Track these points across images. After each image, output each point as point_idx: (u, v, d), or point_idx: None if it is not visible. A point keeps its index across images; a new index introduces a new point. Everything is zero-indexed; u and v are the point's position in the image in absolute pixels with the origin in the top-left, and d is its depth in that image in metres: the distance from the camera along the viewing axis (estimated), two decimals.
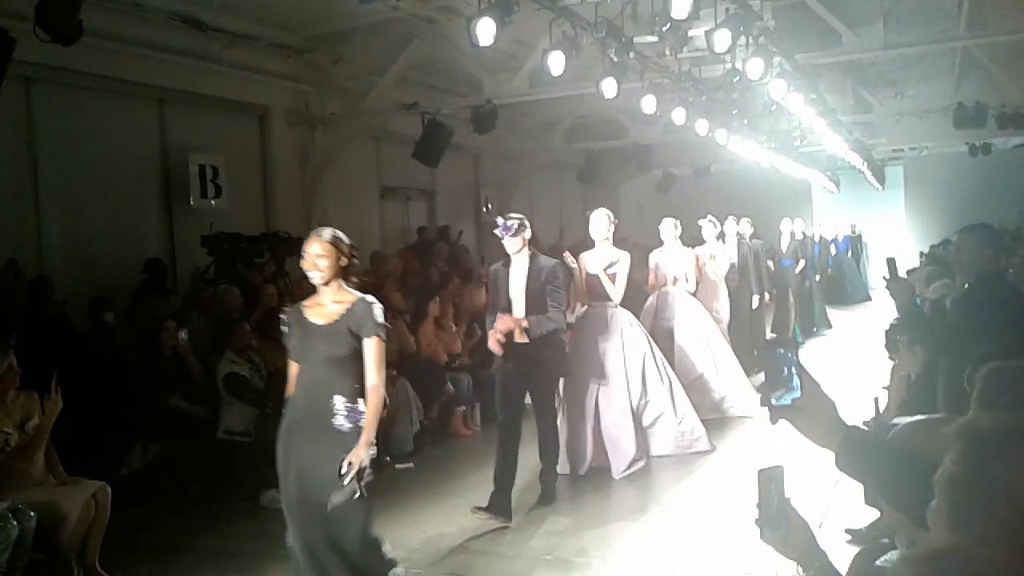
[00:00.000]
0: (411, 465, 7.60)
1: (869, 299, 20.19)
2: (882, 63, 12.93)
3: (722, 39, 7.11)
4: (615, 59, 7.87)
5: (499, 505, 5.88)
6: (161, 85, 9.35)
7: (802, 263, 14.00)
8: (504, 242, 6.06)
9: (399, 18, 9.44)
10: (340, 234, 4.20)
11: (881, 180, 22.70)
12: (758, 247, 11.86)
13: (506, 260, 6.17)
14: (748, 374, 9.41)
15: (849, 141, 15.24)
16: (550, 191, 18.52)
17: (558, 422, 6.76)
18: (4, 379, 4.96)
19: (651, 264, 9.07)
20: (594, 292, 7.23)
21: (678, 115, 10.12)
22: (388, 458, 7.75)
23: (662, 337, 8.50)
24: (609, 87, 8.24)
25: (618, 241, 7.83)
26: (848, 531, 5.10)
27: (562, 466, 6.76)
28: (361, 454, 3.91)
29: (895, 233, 23.38)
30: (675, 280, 8.94)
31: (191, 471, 6.79)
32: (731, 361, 9.07)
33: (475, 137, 12.08)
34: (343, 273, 4.18)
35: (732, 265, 10.88)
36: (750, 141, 13.21)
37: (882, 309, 16.12)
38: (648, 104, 9.42)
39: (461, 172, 15.16)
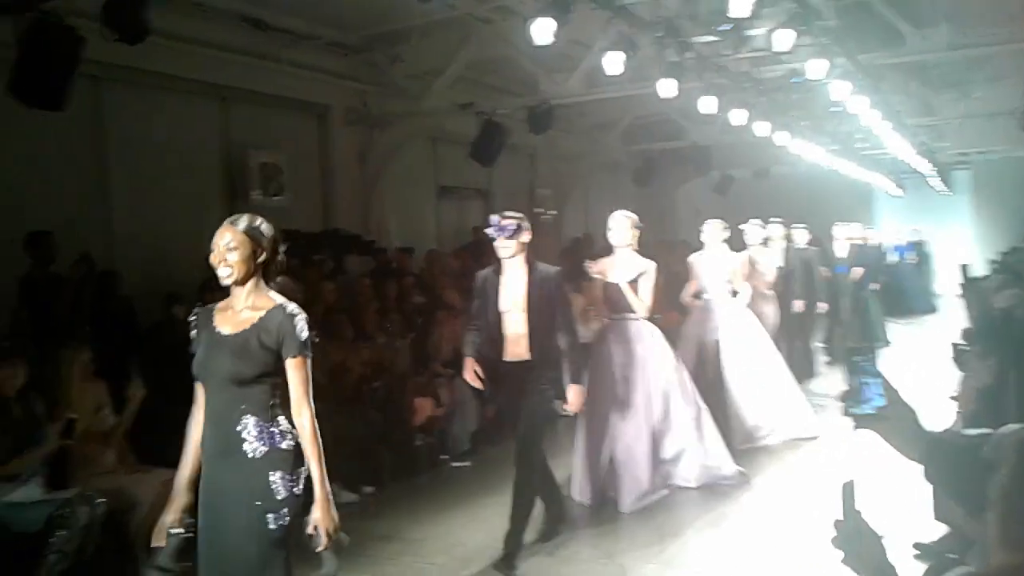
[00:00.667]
0: (468, 464, 7.62)
1: (934, 310, 19.02)
2: (946, 64, 12.60)
3: (783, 39, 7.02)
4: (674, 59, 7.81)
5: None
6: (223, 84, 9.54)
7: (859, 270, 12.86)
8: (497, 245, 5.21)
9: (456, 18, 9.49)
10: (261, 222, 3.43)
11: (948, 184, 22.16)
12: (811, 255, 11.16)
13: (497, 266, 5.31)
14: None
15: (914, 144, 14.93)
16: (605, 192, 18.40)
17: (576, 443, 6.32)
18: (81, 369, 5.08)
19: (691, 270, 8.36)
20: (614, 304, 6.45)
21: (737, 116, 10.02)
22: (445, 456, 7.82)
23: (709, 351, 7.95)
24: (667, 87, 8.19)
25: (657, 246, 7.51)
26: (916, 546, 4.98)
27: (581, 494, 6.33)
28: (323, 515, 3.25)
29: (963, 240, 22.80)
30: (718, 287, 8.18)
31: None
32: (786, 377, 8.32)
33: (531, 137, 12.09)
34: (263, 271, 3.39)
35: (780, 272, 10.24)
36: (811, 143, 13.01)
37: (947, 321, 15.11)
38: (707, 105, 9.34)
39: (517, 172, 15.17)
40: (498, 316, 5.24)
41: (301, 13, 9.58)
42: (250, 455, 3.24)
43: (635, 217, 6.50)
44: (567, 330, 5.21)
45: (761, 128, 10.91)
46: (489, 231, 5.20)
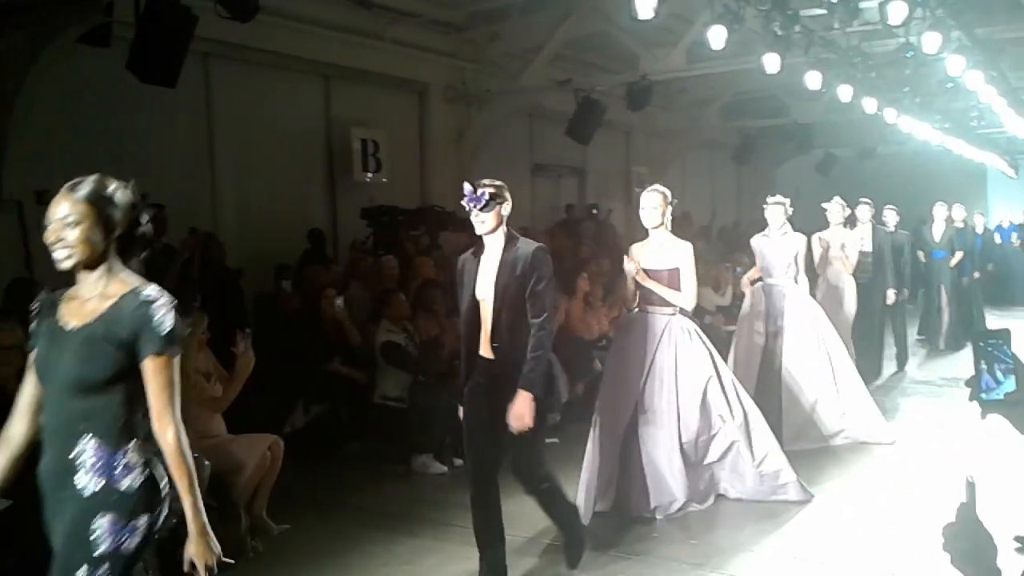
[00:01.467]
0: (556, 440, 7.64)
1: None
2: None
3: (897, 11, 6.76)
4: (779, 32, 7.60)
5: None
6: (327, 61, 9.72)
7: (959, 255, 11.80)
8: (472, 218, 4.43)
9: None
10: (115, 188, 2.68)
11: None
12: (902, 238, 10.37)
13: (479, 246, 4.54)
14: (872, 386, 8.38)
15: None
16: (703, 171, 18.14)
17: (588, 448, 5.56)
18: (198, 338, 5.28)
19: (755, 253, 7.68)
20: (646, 295, 5.69)
21: (844, 92, 9.72)
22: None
23: (769, 342, 7.38)
24: (772, 62, 8.00)
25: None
26: (1017, 538, 4.80)
27: (605, 503, 5.64)
28: (199, 548, 2.68)
29: None
30: (781, 272, 7.43)
31: (349, 432, 7.09)
32: (853, 376, 7.44)
33: (627, 114, 11.98)
34: (119, 250, 2.68)
35: (865, 256, 9.51)
36: (922, 121, 12.51)
37: None
38: (813, 80, 9.08)
39: (612, 150, 15.05)
40: (475, 306, 4.48)
41: None
42: (80, 490, 2.58)
43: (668, 192, 5.67)
44: (536, 322, 4.33)
45: (869, 105, 10.53)
46: (464, 203, 4.42)
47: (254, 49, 8.72)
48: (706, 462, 5.75)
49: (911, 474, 6.40)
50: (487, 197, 4.35)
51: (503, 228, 4.44)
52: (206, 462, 4.91)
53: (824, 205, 9.02)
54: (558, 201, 14.00)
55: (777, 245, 7.45)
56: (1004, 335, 1.96)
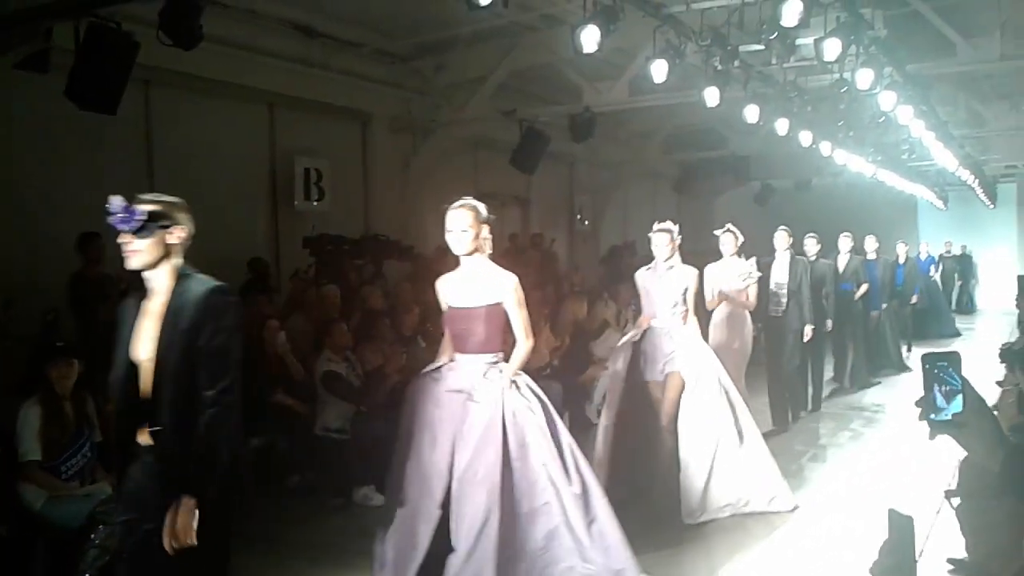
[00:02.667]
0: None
1: (955, 335, 16.47)
2: (997, 75, 12.43)
3: (832, 48, 6.95)
4: (719, 67, 7.78)
5: None
6: (271, 90, 9.66)
7: (863, 288, 11.27)
8: (123, 247, 3.30)
9: (501, 26, 9.53)
10: None
11: (992, 197, 21.81)
12: (823, 267, 9.80)
13: (142, 292, 3.41)
14: (790, 431, 8.36)
15: (960, 156, 14.69)
16: (645, 201, 18.40)
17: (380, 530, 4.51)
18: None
19: (639, 289, 6.54)
20: (460, 339, 4.64)
21: (781, 125, 9.94)
22: None
23: (654, 393, 6.26)
24: (712, 96, 8.15)
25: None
26: (950, 560, 4.90)
27: None
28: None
29: (1006, 253, 22.44)
30: (666, 310, 6.26)
31: (289, 465, 6.97)
32: (753, 434, 6.31)
33: (571, 145, 12.12)
34: None
35: (779, 287, 8.88)
36: (856, 154, 12.86)
37: (973, 347, 13.68)
38: (751, 114, 9.28)
39: (556, 180, 15.20)
40: (131, 372, 3.26)
41: (349, 21, 9.68)
42: None
43: (479, 207, 4.72)
44: (210, 395, 3.15)
45: (805, 138, 10.80)
46: (109, 220, 3.24)
47: (197, 77, 8.63)
48: (529, 548, 4.32)
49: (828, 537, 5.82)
50: (143, 217, 3.23)
51: (171, 263, 3.32)
52: None
53: (716, 233, 8.18)
54: (502, 230, 14.04)
55: (663, 280, 6.30)
56: (953, 358, 2.02)
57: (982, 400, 2.00)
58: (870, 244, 12.20)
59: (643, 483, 6.26)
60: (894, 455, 7.78)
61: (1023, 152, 17.44)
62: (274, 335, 7.16)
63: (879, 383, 11.63)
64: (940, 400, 1.98)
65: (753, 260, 8.10)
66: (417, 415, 4.51)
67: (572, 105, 11.21)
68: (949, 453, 2.05)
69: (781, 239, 9.10)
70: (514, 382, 4.46)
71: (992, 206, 22.27)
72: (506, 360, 4.55)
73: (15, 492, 4.81)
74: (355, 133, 11.31)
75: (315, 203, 10.06)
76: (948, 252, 21.52)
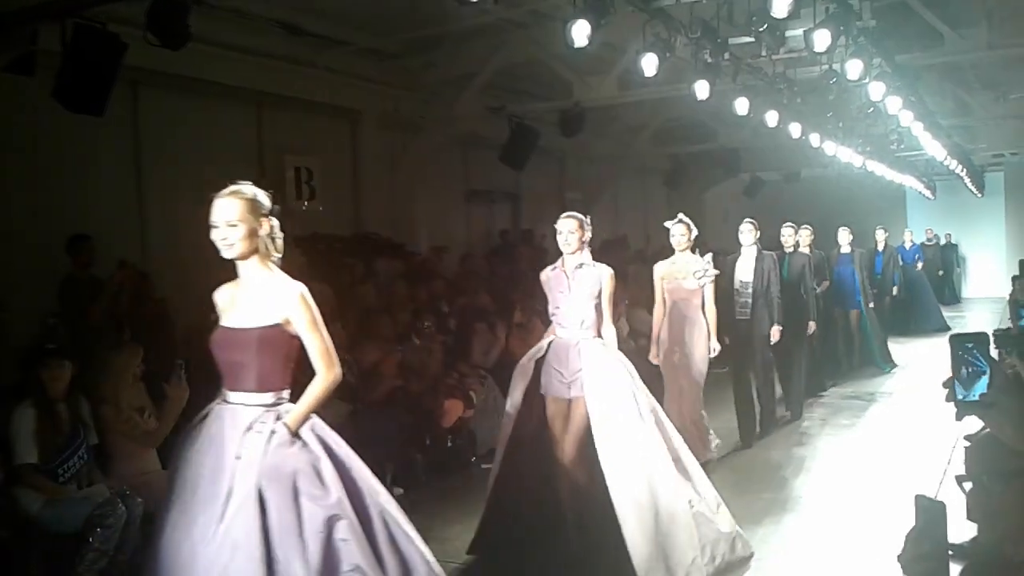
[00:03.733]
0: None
1: (944, 328, 15.03)
2: (984, 65, 12.46)
3: (821, 39, 6.96)
4: (709, 60, 7.78)
5: None
6: (259, 89, 9.60)
7: (824, 285, 10.25)
8: None
9: (489, 23, 9.50)
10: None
11: (980, 187, 21.92)
12: (801, 259, 9.19)
13: None
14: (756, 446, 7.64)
15: (948, 146, 14.75)
16: (635, 196, 18.40)
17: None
18: (131, 372, 5.14)
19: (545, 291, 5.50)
20: (231, 376, 3.61)
21: (771, 117, 9.97)
22: (474, 458, 7.82)
23: (557, 424, 5.26)
24: (702, 89, 8.17)
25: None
26: (951, 547, 4.91)
27: None
28: None
29: (994, 242, 22.56)
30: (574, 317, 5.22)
31: None
32: (694, 469, 5.12)
33: (561, 140, 12.11)
34: None
35: (744, 287, 8.05)
36: (845, 145, 12.90)
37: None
38: (741, 106, 9.31)
39: (546, 176, 15.18)
40: None
41: (336, 19, 9.63)
42: None
43: (256, 193, 3.68)
44: None
45: (795, 130, 10.82)
46: None
47: (185, 77, 8.56)
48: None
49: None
50: None
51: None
52: (139, 499, 4.78)
53: (667, 224, 7.14)
54: (493, 227, 14.03)
55: (571, 281, 5.25)
56: (980, 339, 2.03)
57: (1010, 381, 2.00)
58: (843, 237, 11.59)
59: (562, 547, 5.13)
60: (878, 452, 7.82)
61: (1010, 141, 17.52)
62: None
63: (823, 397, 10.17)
64: (967, 381, 1.99)
65: (709, 256, 7.13)
66: (175, 473, 3.48)
67: (561, 100, 11.20)
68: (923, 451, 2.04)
69: (746, 233, 8.09)
70: (298, 435, 3.40)
71: (980, 195, 22.39)
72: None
73: (11, 496, 4.78)
74: (344, 131, 11.26)
75: (306, 202, 10.02)
76: (929, 240, 21.41)
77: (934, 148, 14.28)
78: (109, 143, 8.33)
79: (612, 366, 5.04)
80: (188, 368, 5.08)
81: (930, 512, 1.90)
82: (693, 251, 7.05)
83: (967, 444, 4.79)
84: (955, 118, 14.66)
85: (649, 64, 7.43)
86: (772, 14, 6.20)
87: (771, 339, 8.04)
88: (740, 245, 8.26)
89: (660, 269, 7.20)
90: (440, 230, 12.45)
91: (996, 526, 1.88)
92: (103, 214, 8.01)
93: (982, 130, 16.91)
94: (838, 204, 18.93)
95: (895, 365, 12.05)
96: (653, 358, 7.14)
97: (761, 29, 6.99)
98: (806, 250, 9.69)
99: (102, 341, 6.14)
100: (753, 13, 7.03)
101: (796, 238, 9.45)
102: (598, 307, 5.18)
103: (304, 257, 9.25)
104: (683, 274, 7.05)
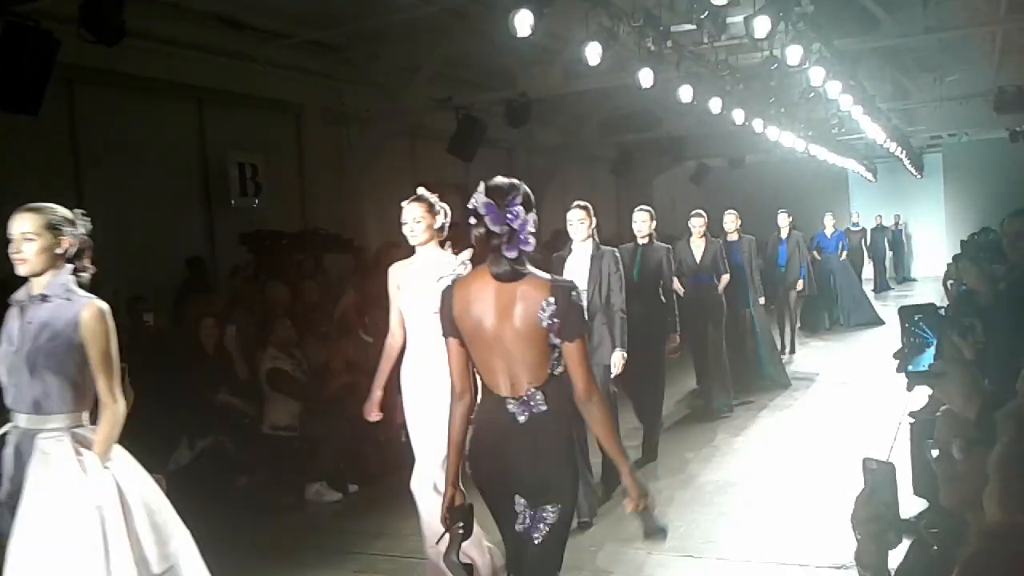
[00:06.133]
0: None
1: (878, 322, 13.93)
2: (921, 48, 12.73)
3: (762, 25, 7.05)
4: (652, 48, 7.83)
5: None
6: (200, 85, 9.45)
7: (724, 279, 8.61)
8: None
9: (432, 14, 9.45)
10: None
11: (919, 168, 22.42)
12: (744, 245, 9.13)
13: None
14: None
15: (887, 128, 15.06)
16: (583, 185, 18.44)
17: None
18: None
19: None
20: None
21: (714, 104, 10.07)
22: None
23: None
24: (646, 77, 8.22)
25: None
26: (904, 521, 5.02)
27: None
28: None
29: (935, 222, 23.09)
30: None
31: (237, 466, 6.85)
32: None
33: (509, 131, 12.11)
34: None
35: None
36: (787, 130, 13.09)
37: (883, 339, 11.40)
38: (685, 94, 9.38)
39: (494, 167, 14.98)
40: None
41: (276, 12, 9.51)
42: None
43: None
44: None
45: (738, 116, 10.95)
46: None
47: (122, 74, 8.39)
48: None
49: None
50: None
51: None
52: None
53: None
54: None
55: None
56: (927, 310, 2.07)
57: (958, 350, 2.05)
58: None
59: None
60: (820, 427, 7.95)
61: (947, 123, 17.91)
62: (212, 332, 7.03)
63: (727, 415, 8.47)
64: (916, 352, 2.03)
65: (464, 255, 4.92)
66: None
67: (508, 91, 11.19)
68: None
69: (575, 223, 5.96)
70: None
71: (919, 176, 22.89)
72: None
73: None
74: (289, 126, 11.13)
75: (252, 199, 9.89)
76: (878, 224, 21.89)
77: (874, 131, 14.57)
78: (45, 143, 8.13)
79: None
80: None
81: (878, 473, 1.94)
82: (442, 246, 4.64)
83: (912, 421, 4.91)
84: (894, 101, 14.98)
85: (593, 53, 7.45)
86: (713, 1, 6.26)
87: (612, 369, 5.68)
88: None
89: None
90: (389, 224, 12.34)
91: (957, 491, 1.96)
92: None
93: (920, 112, 17.28)
94: (783, 189, 19.22)
95: (789, 383, 9.70)
96: None
97: (703, 16, 7.05)
98: (717, 239, 8.61)
99: None
100: (694, 0, 7.09)
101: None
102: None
103: (251, 254, 9.20)
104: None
